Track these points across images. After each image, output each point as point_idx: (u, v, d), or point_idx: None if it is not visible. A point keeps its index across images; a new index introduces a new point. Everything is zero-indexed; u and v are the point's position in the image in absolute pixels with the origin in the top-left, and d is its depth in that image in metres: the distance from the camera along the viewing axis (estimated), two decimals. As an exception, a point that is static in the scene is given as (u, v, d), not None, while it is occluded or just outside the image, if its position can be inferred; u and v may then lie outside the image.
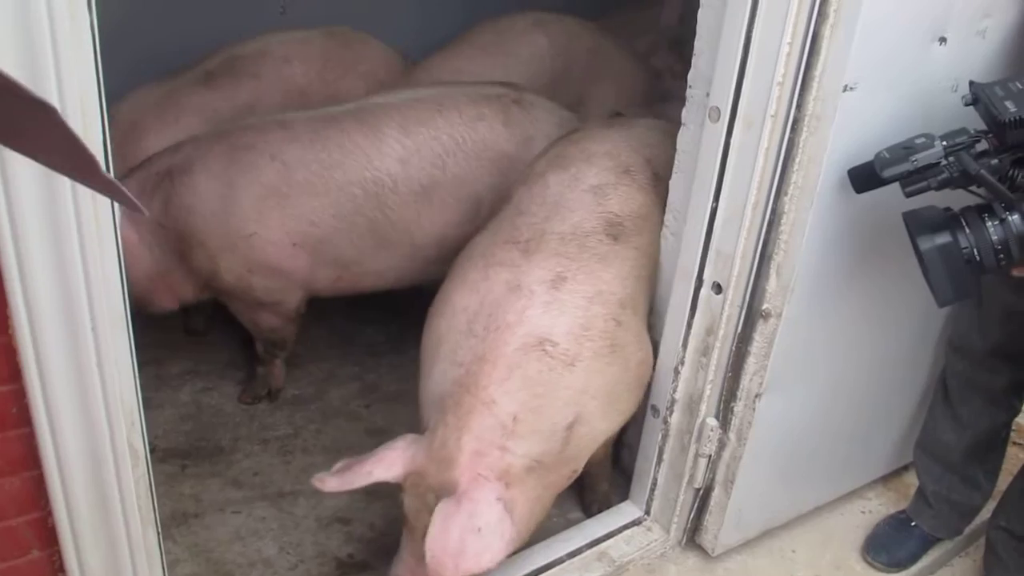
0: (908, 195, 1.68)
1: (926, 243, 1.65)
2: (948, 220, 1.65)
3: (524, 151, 2.67)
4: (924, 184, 1.67)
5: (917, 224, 1.68)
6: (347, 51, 3.19)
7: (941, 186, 1.67)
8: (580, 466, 2.07)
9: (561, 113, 2.88)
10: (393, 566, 2.03)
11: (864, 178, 1.79)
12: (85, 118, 1.26)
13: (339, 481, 1.90)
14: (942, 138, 1.67)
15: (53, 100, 1.21)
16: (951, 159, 1.65)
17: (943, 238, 1.63)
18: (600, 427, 2.04)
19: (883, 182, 1.71)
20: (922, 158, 1.65)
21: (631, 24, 3.80)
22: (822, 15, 1.74)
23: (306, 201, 2.52)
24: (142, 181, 2.51)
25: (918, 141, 1.67)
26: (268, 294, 2.65)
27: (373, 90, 2.92)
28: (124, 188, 0.74)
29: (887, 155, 1.69)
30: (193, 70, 2.95)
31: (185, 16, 3.22)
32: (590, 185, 2.19)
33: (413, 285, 2.81)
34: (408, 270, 2.73)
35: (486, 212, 2.61)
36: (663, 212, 2.24)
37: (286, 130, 2.55)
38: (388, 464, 1.91)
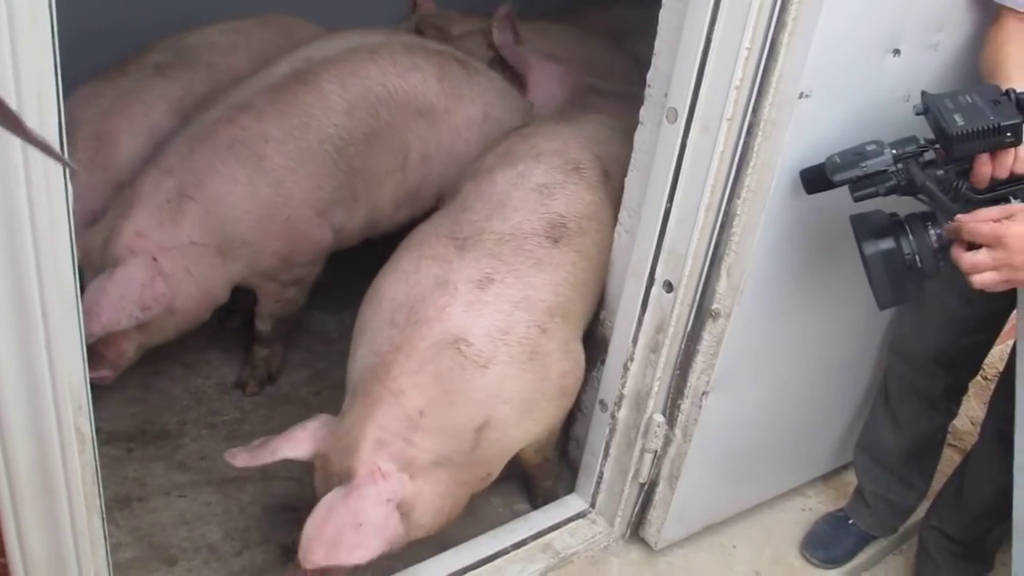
0: (856, 200, 1.72)
1: (870, 248, 1.69)
2: (893, 226, 1.70)
3: (455, 107, 2.73)
4: (872, 190, 1.71)
5: (863, 228, 1.72)
6: (284, 39, 3.14)
7: (888, 192, 1.71)
8: (495, 470, 2.09)
9: (509, 89, 2.90)
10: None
11: (815, 180, 1.83)
12: (41, 100, 1.24)
13: (248, 456, 1.95)
14: (892, 146, 1.70)
15: (8, 80, 1.19)
16: (899, 166, 1.69)
17: (887, 244, 1.68)
18: (513, 434, 2.04)
19: (833, 185, 1.75)
20: (871, 165, 1.69)
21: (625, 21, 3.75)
22: (781, 23, 1.77)
23: (308, 169, 2.55)
24: (159, 213, 2.44)
25: (868, 148, 1.71)
26: (305, 268, 2.70)
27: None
28: (47, 142, 0.78)
29: (838, 160, 1.73)
30: (137, 64, 2.82)
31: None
32: (537, 184, 2.20)
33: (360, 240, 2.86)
34: (365, 224, 2.78)
35: (413, 162, 2.69)
36: (612, 210, 2.26)
37: (251, 110, 2.53)
38: (296, 443, 1.96)
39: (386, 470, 1.86)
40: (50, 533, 1.59)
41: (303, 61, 2.64)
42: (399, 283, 2.03)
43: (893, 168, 1.69)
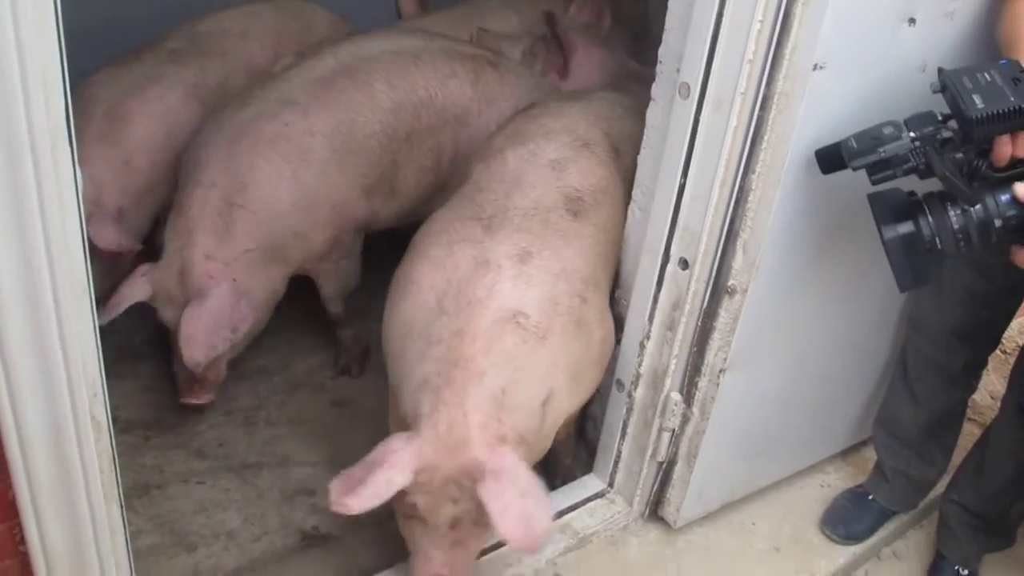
0: (874, 183, 1.70)
1: (889, 232, 1.66)
2: (912, 207, 1.66)
3: (488, 111, 2.81)
4: (890, 172, 1.67)
5: (881, 210, 1.69)
6: (297, 22, 3.17)
7: (907, 174, 1.68)
8: (548, 445, 2.08)
9: (536, 81, 2.96)
10: (414, 570, 1.92)
11: (831, 160, 1.79)
12: (46, 88, 1.23)
13: (360, 501, 1.73)
14: (908, 126, 1.66)
15: (13, 68, 1.18)
16: (917, 145, 1.66)
17: (906, 227, 1.64)
18: (565, 404, 2.03)
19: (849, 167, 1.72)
20: (889, 149, 1.65)
21: None
22: (794, -7, 1.74)
23: (354, 160, 2.61)
24: (215, 230, 2.47)
25: (886, 131, 1.66)
26: (352, 246, 2.77)
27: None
28: None
29: (855, 145, 1.68)
30: (152, 51, 2.86)
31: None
32: (549, 160, 2.18)
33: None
34: (396, 215, 2.84)
35: (444, 162, 2.81)
36: (623, 186, 2.24)
37: (296, 105, 2.56)
38: (401, 467, 1.77)
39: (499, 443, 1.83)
40: (69, 521, 1.59)
41: (350, 56, 2.67)
42: (435, 271, 1.98)
43: (911, 149, 1.66)
